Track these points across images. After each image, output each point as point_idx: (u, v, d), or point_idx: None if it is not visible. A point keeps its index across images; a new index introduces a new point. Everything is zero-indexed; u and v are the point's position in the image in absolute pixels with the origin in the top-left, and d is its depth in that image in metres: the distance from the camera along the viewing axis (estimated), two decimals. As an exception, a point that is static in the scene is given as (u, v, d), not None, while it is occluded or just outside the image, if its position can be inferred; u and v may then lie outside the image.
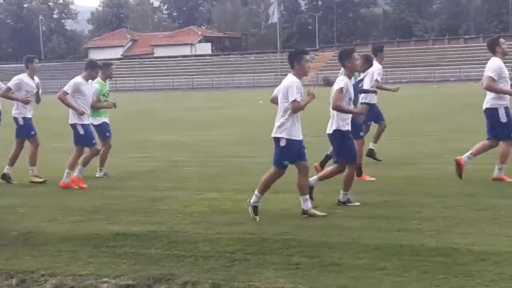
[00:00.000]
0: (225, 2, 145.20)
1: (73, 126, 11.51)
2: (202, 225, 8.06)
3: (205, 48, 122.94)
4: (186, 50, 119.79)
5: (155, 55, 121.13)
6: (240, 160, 14.08)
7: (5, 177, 12.30)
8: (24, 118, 12.27)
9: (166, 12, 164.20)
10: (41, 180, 12.01)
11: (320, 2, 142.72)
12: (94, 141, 11.70)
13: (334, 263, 6.34)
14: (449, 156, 13.39)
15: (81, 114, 11.33)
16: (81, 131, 11.44)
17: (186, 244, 7.22)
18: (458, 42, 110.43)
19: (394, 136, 18.14)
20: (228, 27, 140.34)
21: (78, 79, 11.62)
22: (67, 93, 11.37)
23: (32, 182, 11.99)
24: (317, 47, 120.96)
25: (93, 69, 11.74)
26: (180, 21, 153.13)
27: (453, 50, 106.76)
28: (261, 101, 34.65)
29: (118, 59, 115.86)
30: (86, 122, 11.54)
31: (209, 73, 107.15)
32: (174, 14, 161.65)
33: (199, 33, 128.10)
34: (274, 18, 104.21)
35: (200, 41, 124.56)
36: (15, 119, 12.32)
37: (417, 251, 6.59)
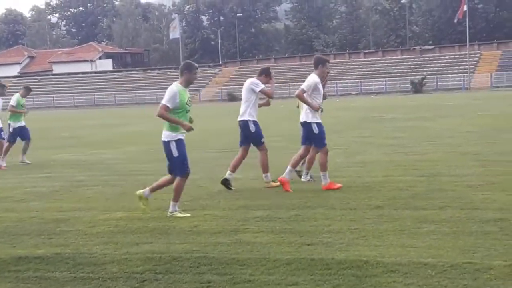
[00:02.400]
0: (125, 17, 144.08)
1: None
2: (109, 246, 7.83)
3: (106, 65, 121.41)
4: (86, 67, 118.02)
5: (54, 72, 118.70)
6: (145, 178, 13.81)
7: None
8: None
9: (64, 28, 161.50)
10: None
11: (222, 18, 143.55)
12: None
13: (246, 279, 6.27)
14: (354, 169, 13.65)
15: None
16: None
17: (93, 266, 6.99)
18: (359, 56, 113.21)
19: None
20: (129, 42, 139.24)
21: None
22: None
23: None
24: (220, 62, 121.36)
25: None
26: (80, 37, 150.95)
27: (354, 64, 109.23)
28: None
29: (15, 76, 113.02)
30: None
31: (111, 89, 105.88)
32: (73, 30, 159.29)
33: (100, 49, 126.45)
34: (176, 34, 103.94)
35: (100, 58, 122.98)
36: None
37: (327, 264, 6.59)
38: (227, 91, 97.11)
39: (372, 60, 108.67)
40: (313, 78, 11.51)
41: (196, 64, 9.70)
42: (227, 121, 34.90)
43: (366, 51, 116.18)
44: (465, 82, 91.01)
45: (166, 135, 9.29)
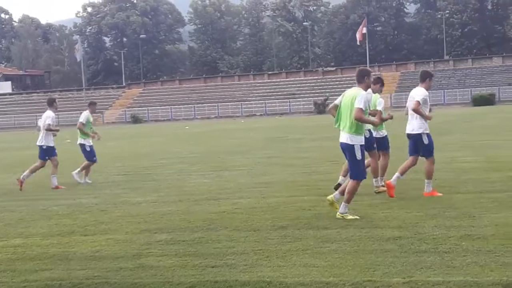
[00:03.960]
0: (25, 39, 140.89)
1: None
2: (7, 274, 7.56)
3: (5, 87, 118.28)
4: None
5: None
6: (45, 203, 13.47)
7: None
8: None
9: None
10: None
11: (125, 39, 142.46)
12: None
13: (149, 305, 6.17)
14: (259, 189, 13.71)
15: None
16: None
17: (-12, 296, 6.74)
18: (263, 77, 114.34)
19: (204, 171, 18.32)
20: (29, 64, 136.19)
21: None
22: None
23: None
24: (124, 83, 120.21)
25: None
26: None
27: (258, 85, 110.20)
28: (68, 140, 33.65)
29: None
30: None
31: (11, 112, 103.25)
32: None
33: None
34: (78, 56, 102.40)
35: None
36: None
37: (231, 286, 6.57)
38: (131, 113, 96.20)
39: (276, 81, 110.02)
40: (423, 91, 11.92)
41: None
42: (130, 143, 34.52)
43: (270, 72, 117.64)
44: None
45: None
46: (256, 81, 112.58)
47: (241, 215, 10.64)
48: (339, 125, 10.31)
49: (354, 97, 10.01)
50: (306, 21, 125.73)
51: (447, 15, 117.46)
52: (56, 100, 17.87)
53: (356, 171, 10.05)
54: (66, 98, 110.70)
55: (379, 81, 12.88)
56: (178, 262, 7.67)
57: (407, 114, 12.36)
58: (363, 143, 10.18)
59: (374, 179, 12.52)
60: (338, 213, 9.96)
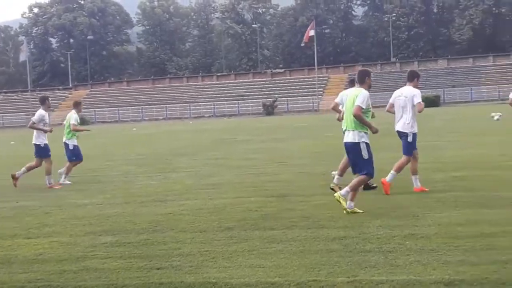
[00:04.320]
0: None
1: None
2: None
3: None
4: None
5: None
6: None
7: None
8: None
9: None
10: None
11: (72, 40, 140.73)
12: None
13: (92, 308, 6.09)
14: (206, 191, 13.67)
15: None
16: None
17: None
18: (212, 79, 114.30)
19: (151, 173, 18.20)
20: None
21: None
22: None
23: None
24: (70, 85, 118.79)
25: None
26: None
27: (207, 87, 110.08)
28: (12, 142, 33.06)
29: None
30: None
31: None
32: None
33: None
34: (23, 56, 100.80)
35: None
36: None
37: (176, 288, 6.54)
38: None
39: (225, 83, 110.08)
40: (417, 90, 12.28)
41: None
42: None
43: (219, 74, 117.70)
44: (315, 104, 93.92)
45: None
46: (204, 82, 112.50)
47: (188, 216, 10.59)
48: (347, 126, 10.52)
49: (356, 96, 10.26)
50: (255, 23, 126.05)
51: (394, 18, 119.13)
52: (49, 98, 17.60)
53: (364, 168, 10.21)
54: (11, 99, 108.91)
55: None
56: (123, 265, 7.59)
57: (388, 111, 12.87)
58: (368, 141, 10.29)
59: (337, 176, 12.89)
60: (346, 208, 10.06)
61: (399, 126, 12.39)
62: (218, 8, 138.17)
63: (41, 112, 16.61)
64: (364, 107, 10.12)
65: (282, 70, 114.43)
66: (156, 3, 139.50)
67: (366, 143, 10.22)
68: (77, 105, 17.92)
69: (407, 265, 6.88)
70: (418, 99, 12.12)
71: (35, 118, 16.59)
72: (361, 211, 10.04)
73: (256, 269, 7.04)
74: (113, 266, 7.56)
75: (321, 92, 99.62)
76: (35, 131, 16.57)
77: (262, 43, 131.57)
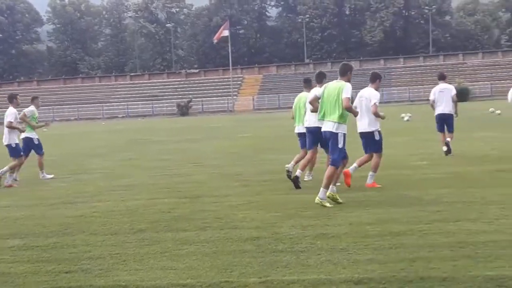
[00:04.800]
0: None
1: None
2: None
3: None
4: None
5: None
6: None
7: None
8: None
9: None
10: None
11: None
12: None
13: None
14: (118, 192, 13.48)
15: None
16: None
17: None
18: (125, 79, 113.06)
19: (61, 174, 17.82)
20: None
21: None
22: None
23: None
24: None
25: None
26: None
27: (120, 87, 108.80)
28: None
29: None
30: None
31: None
32: None
33: None
34: None
35: None
36: None
37: (86, 292, 6.42)
38: None
39: (139, 83, 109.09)
40: (377, 93, 12.68)
41: None
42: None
43: (133, 74, 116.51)
44: (229, 104, 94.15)
45: None
46: (118, 82, 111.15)
47: (99, 218, 10.41)
48: (323, 115, 10.93)
49: (341, 88, 10.72)
50: (169, 23, 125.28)
51: (307, 19, 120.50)
52: (18, 96, 17.27)
53: (337, 158, 10.84)
54: None
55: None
56: (31, 269, 7.39)
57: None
58: (346, 132, 10.86)
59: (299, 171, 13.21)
60: (317, 198, 10.59)
61: (362, 127, 12.71)
62: (131, 7, 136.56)
63: (12, 110, 16.44)
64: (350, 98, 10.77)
65: (197, 71, 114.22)
66: (67, 1, 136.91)
67: (344, 134, 10.80)
68: (34, 100, 17.92)
69: (318, 264, 6.95)
70: (374, 101, 12.48)
71: (10, 117, 16.28)
72: (331, 205, 10.47)
73: (167, 271, 6.98)
74: (20, 270, 7.36)
75: (236, 93, 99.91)
76: (5, 131, 16.22)
77: (177, 43, 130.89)
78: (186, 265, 7.21)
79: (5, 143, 16.30)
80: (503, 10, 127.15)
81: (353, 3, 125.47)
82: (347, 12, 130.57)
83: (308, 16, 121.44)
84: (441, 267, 6.57)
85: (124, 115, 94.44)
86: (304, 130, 13.67)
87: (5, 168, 16.15)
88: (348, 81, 11.01)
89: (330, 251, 7.48)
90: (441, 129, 18.05)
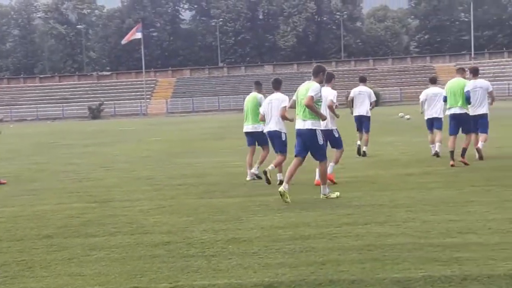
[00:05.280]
0: None
1: None
2: None
3: None
4: None
5: None
6: None
7: None
8: None
9: None
10: None
11: None
12: None
13: None
14: (26, 197, 13.11)
15: None
16: None
17: None
18: (34, 81, 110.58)
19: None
20: None
21: None
22: None
23: None
24: None
25: None
26: None
27: (29, 89, 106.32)
28: None
29: None
30: None
31: None
32: None
33: None
34: None
35: None
36: None
37: (-11, 301, 6.19)
38: None
39: (49, 85, 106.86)
40: (333, 91, 13.30)
41: None
42: None
43: (42, 76, 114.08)
44: (142, 108, 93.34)
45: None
46: (27, 84, 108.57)
47: (4, 224, 10.09)
48: (299, 114, 11.42)
49: (309, 87, 11.24)
50: (80, 24, 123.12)
51: (221, 23, 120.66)
52: None
53: (322, 154, 11.43)
54: None
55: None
56: None
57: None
58: (322, 128, 11.49)
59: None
60: (321, 194, 11.27)
61: (323, 125, 12.87)
62: (41, 8, 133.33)
63: None
64: (316, 98, 11.14)
65: (109, 73, 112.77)
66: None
67: (321, 130, 11.34)
68: None
69: (229, 268, 6.92)
70: (330, 98, 13.19)
71: None
72: (336, 194, 11.30)
73: (75, 278, 6.81)
74: None
75: (149, 96, 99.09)
76: None
77: (88, 44, 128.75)
78: (94, 271, 7.06)
79: None
80: (412, 17, 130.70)
81: (267, 8, 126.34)
82: (261, 17, 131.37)
83: (221, 20, 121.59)
84: (350, 269, 6.65)
85: (33, 118, 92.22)
86: (250, 130, 14.51)
87: None
88: (320, 82, 11.63)
89: (241, 255, 7.47)
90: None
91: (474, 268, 6.51)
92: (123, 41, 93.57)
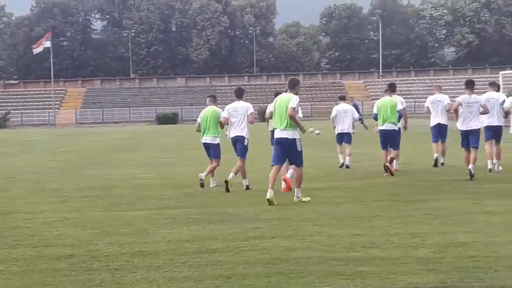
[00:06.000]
0: None
1: None
2: None
3: None
4: None
5: None
6: None
7: None
8: None
9: None
10: None
11: None
12: None
13: None
14: None
15: None
16: None
17: None
18: None
19: None
20: None
21: None
22: None
23: None
24: None
25: None
26: None
27: None
28: None
29: None
30: None
31: None
32: None
33: None
34: None
35: None
36: None
37: None
38: None
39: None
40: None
41: None
42: None
43: None
44: (51, 118, 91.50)
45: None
46: None
47: None
48: (280, 125, 12.13)
49: (288, 99, 12.03)
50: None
51: (133, 34, 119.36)
52: None
53: (300, 160, 12.30)
54: None
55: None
56: None
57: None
58: (300, 137, 12.26)
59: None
60: (295, 197, 12.20)
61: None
62: None
63: None
64: (296, 108, 11.98)
65: (16, 82, 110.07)
66: None
67: (299, 139, 12.17)
68: None
69: (134, 282, 6.83)
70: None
71: None
72: (307, 199, 12.14)
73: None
74: None
75: (57, 106, 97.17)
76: None
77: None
78: (-8, 285, 6.84)
79: None
80: (323, 34, 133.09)
81: (180, 20, 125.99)
82: (174, 29, 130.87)
83: (134, 31, 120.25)
84: (255, 283, 6.66)
85: None
86: (209, 141, 14.94)
87: None
88: (296, 93, 12.34)
89: (147, 268, 7.38)
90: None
91: (377, 282, 6.62)
92: (34, 50, 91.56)
